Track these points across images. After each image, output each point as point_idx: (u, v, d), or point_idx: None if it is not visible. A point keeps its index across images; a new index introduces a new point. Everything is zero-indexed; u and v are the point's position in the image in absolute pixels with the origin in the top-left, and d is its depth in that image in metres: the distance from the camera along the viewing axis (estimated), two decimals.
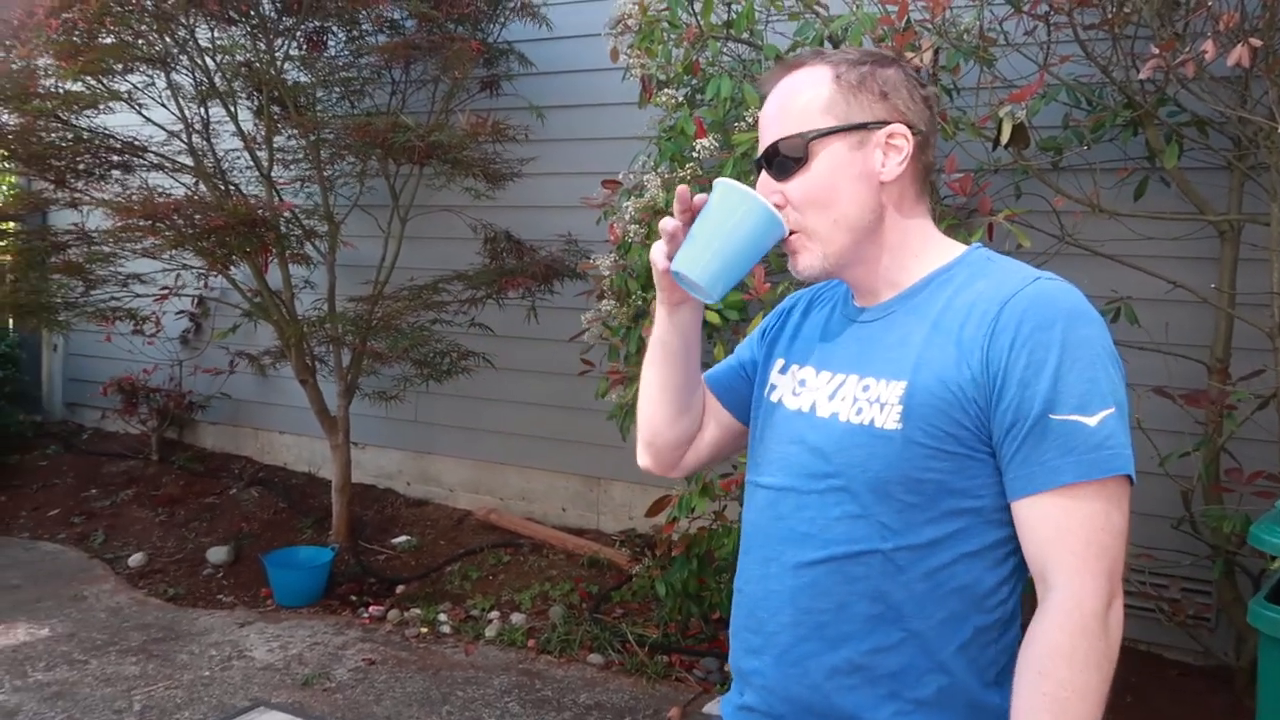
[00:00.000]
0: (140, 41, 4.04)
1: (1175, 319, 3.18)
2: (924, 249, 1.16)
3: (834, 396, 1.14)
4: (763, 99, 1.20)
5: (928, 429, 1.05)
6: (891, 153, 1.13)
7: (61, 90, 4.07)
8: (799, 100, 1.14)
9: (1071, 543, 1.00)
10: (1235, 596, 2.99)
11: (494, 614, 3.76)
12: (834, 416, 1.13)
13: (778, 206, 1.12)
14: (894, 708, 1.07)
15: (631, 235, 3.06)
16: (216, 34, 4.20)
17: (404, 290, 4.19)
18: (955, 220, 2.94)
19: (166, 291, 4.73)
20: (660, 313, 1.26)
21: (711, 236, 1.12)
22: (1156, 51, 2.60)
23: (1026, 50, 3.07)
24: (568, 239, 4.26)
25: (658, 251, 1.18)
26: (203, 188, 4.30)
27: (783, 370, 1.25)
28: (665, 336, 1.27)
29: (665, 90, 3.16)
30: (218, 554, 4.29)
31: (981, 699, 1.07)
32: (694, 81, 3.30)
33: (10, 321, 5.31)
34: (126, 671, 3.26)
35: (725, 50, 3.35)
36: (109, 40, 3.93)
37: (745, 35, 3.24)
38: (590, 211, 3.52)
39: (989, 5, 2.94)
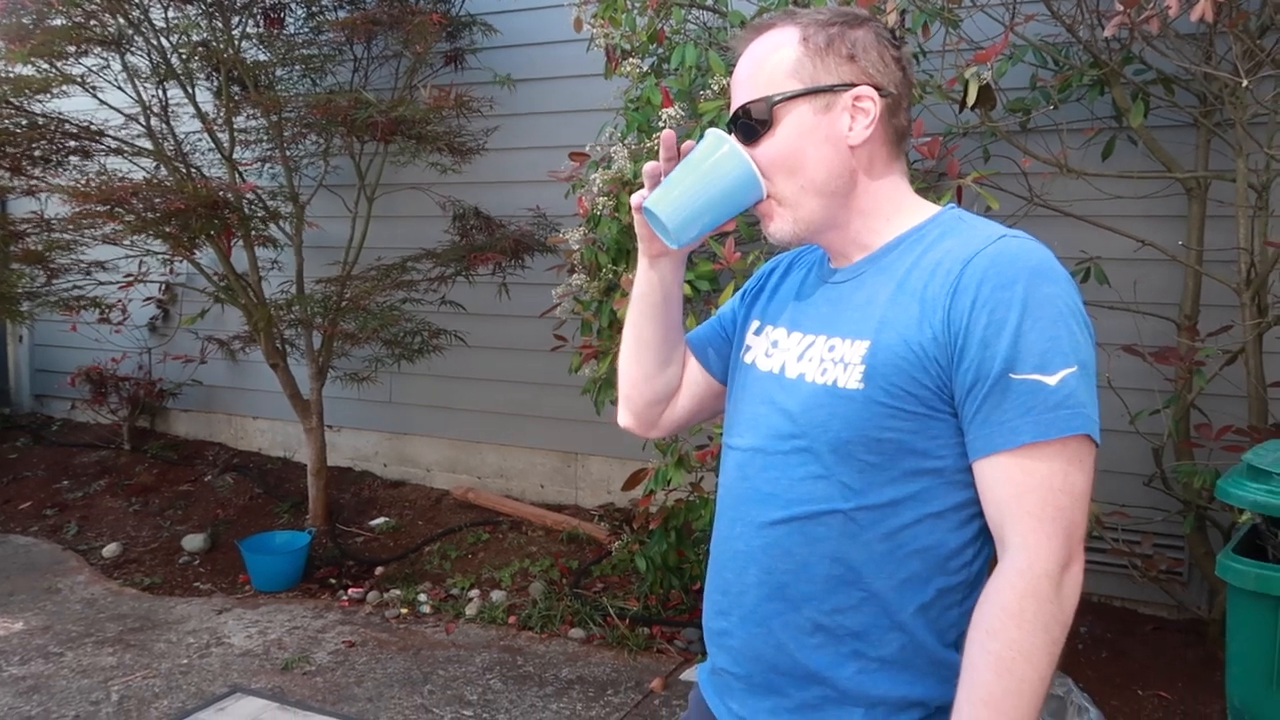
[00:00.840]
0: (93, 23, 3.95)
1: (1144, 277, 3.19)
2: (896, 211, 1.14)
3: (802, 357, 1.14)
4: (733, 64, 1.18)
5: (889, 388, 1.04)
6: (859, 115, 1.10)
7: (11, 74, 3.97)
8: (766, 64, 1.12)
9: (1029, 503, 0.99)
10: (1206, 550, 3.03)
11: (474, 592, 3.76)
12: (800, 377, 1.12)
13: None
14: (857, 666, 1.07)
15: (600, 208, 3.03)
16: (172, 13, 4.11)
17: (372, 270, 4.14)
18: (924, 184, 2.93)
19: (131, 279, 4.66)
20: (640, 265, 1.25)
21: (688, 182, 1.12)
22: (1121, 8, 2.59)
23: (992, 10, 3.05)
24: (537, 213, 4.22)
25: (638, 195, 1.17)
26: (163, 171, 4.22)
27: (757, 332, 1.24)
28: (644, 289, 1.26)
29: (630, 60, 3.12)
30: (193, 542, 4.25)
31: (943, 656, 1.07)
32: (659, 50, 3.26)
33: None
34: (103, 662, 3.23)
35: (690, 18, 3.31)
36: (59, 22, 3.83)
37: (710, 2, 3.20)
38: (559, 185, 3.49)
39: None
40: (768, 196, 1.12)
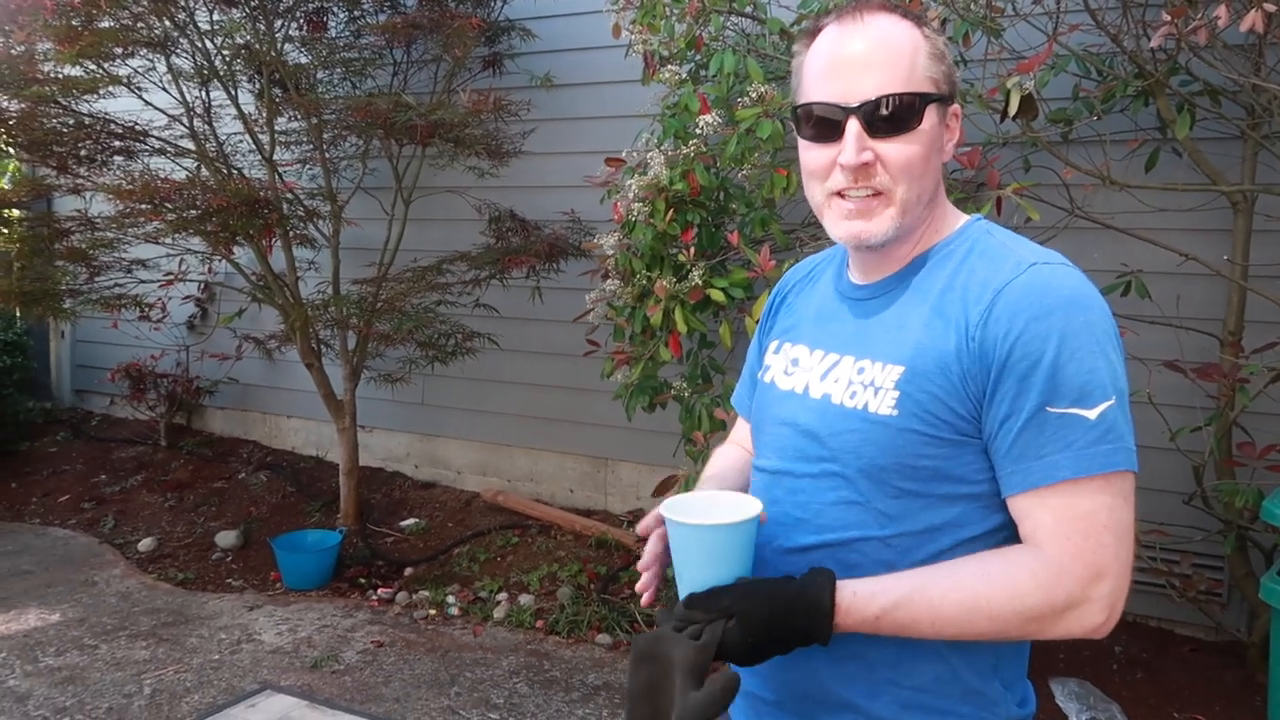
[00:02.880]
0: (139, 25, 4.01)
1: (1187, 292, 3.14)
2: (941, 221, 1.12)
3: (826, 377, 1.10)
4: (824, 38, 1.08)
5: (924, 415, 1.01)
6: (954, 129, 1.09)
7: (61, 75, 4.04)
8: (905, 55, 1.04)
9: (1061, 533, 0.96)
10: (1247, 571, 2.97)
11: (502, 595, 3.76)
12: (826, 398, 1.09)
13: (865, 164, 1.03)
14: (891, 695, 1.05)
15: (635, 214, 3.03)
16: (216, 16, 4.17)
17: (408, 271, 4.17)
18: (963, 194, 2.90)
19: (171, 277, 4.72)
20: None
21: (696, 572, 1.02)
22: (1168, 19, 2.55)
23: (1035, 20, 3.02)
24: (571, 217, 4.23)
25: (643, 587, 1.14)
26: (204, 171, 4.28)
27: (776, 350, 1.21)
28: None
29: (668, 66, 3.12)
30: (226, 538, 4.30)
31: (978, 686, 1.05)
32: (697, 57, 3.26)
33: (16, 310, 5.31)
34: (136, 656, 3.27)
35: (728, 25, 3.30)
36: (107, 24, 3.90)
37: (748, 9, 3.19)
38: (594, 190, 3.49)
39: None
40: (880, 192, 1.04)
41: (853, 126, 1.03)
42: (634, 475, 4.36)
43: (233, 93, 4.23)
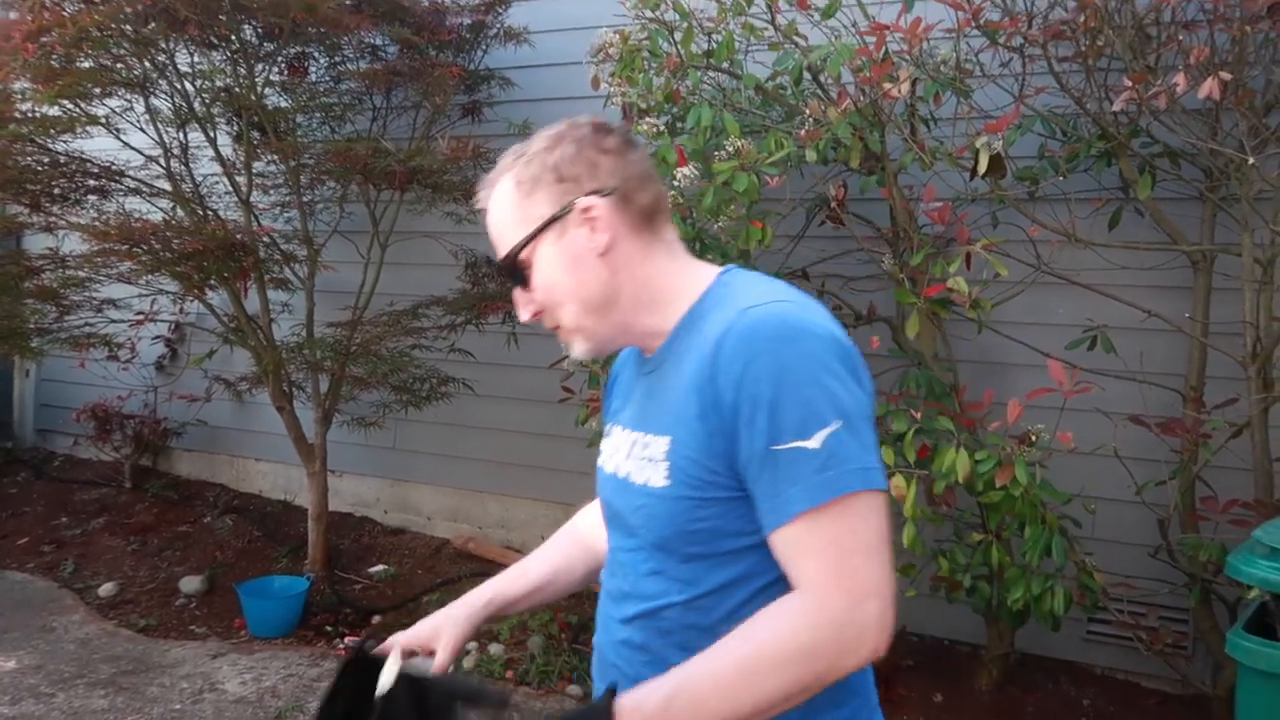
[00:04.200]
0: (119, 65, 4.02)
1: (1150, 348, 3.21)
2: (674, 291, 1.14)
3: (629, 456, 1.15)
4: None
5: (690, 480, 1.04)
6: (593, 226, 1.12)
7: (38, 114, 4.04)
8: (498, 218, 1.16)
9: (816, 565, 0.98)
10: (1212, 624, 3.00)
11: (471, 645, 3.71)
12: (626, 477, 1.14)
13: (535, 314, 1.15)
14: None
15: None
16: (197, 59, 4.19)
17: (383, 315, 4.17)
18: (933, 249, 2.97)
19: (142, 317, 4.68)
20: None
21: None
22: (1129, 84, 2.64)
23: (1002, 81, 3.11)
24: None
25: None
26: (180, 212, 4.27)
27: (607, 434, 1.26)
28: None
29: (646, 118, 3.18)
30: (191, 584, 4.22)
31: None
32: (674, 110, 3.32)
33: None
34: (95, 705, 3.19)
35: (706, 79, 3.37)
36: (87, 64, 3.90)
37: (725, 65, 3.26)
38: None
39: (965, 37, 2.99)
40: (559, 325, 1.15)
41: (516, 290, 1.16)
42: None
43: (211, 135, 4.24)
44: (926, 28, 2.84)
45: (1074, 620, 3.31)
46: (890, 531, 1.01)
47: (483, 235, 4.31)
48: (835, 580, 0.96)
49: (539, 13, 4.35)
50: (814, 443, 0.97)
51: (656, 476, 1.07)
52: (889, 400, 2.90)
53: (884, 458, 2.73)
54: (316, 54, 4.39)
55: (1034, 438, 2.67)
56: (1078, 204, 3.19)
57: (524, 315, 1.16)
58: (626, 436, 1.17)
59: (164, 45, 4.03)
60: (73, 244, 4.24)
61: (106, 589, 4.23)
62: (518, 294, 1.16)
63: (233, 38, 4.05)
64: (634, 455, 1.13)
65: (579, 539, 1.42)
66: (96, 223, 3.92)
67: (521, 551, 4.45)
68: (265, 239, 4.14)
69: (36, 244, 4.86)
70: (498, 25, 4.34)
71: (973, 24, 2.91)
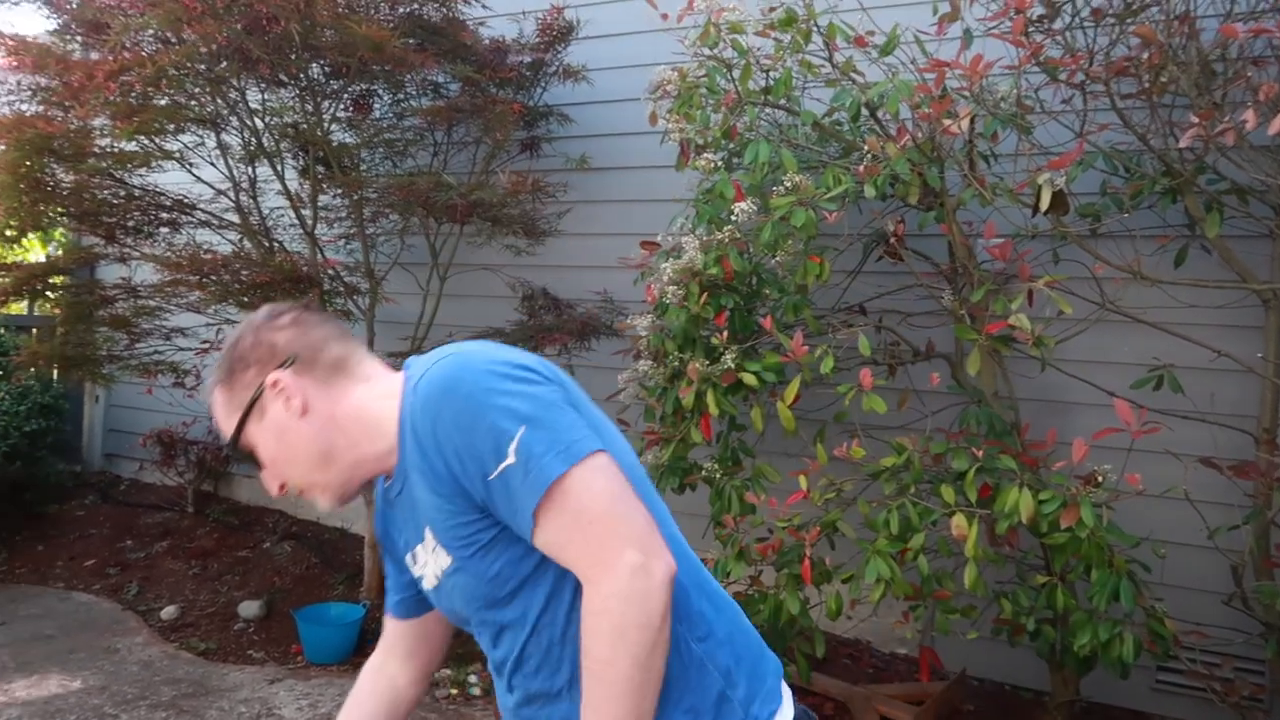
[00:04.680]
0: (193, 103, 4.17)
1: (1221, 388, 3.13)
2: (383, 412, 1.22)
3: (424, 565, 1.26)
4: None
5: (461, 543, 1.16)
6: (284, 396, 1.22)
7: (116, 149, 4.19)
8: (217, 415, 1.27)
9: (572, 550, 1.08)
10: None
11: None
12: (437, 580, 1.24)
13: (282, 484, 1.26)
14: None
15: (669, 296, 3.08)
16: (266, 96, 4.33)
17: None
18: (994, 286, 2.94)
19: (208, 345, 4.81)
20: None
21: None
22: (1195, 120, 2.60)
23: (1063, 118, 3.09)
24: (604, 297, 4.29)
25: None
26: (248, 244, 4.39)
27: (414, 561, 1.33)
28: None
29: (704, 154, 3.21)
30: (249, 608, 4.29)
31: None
32: (731, 145, 3.35)
33: (55, 373, 5.41)
34: None
35: (763, 115, 3.40)
36: (163, 102, 4.05)
37: (782, 101, 3.29)
38: (627, 272, 3.55)
39: (1025, 74, 2.97)
40: (301, 488, 1.25)
41: (261, 472, 1.27)
42: None
43: (279, 169, 4.37)
44: (986, 65, 2.84)
45: (1143, 668, 3.21)
46: (621, 477, 1.10)
47: (540, 268, 4.40)
48: (594, 558, 1.06)
49: (597, 50, 4.43)
50: (511, 458, 1.06)
51: (443, 561, 1.20)
52: (949, 438, 2.87)
53: (944, 495, 2.71)
54: (381, 91, 4.51)
55: (1100, 478, 2.61)
56: (1142, 241, 3.13)
57: (273, 489, 1.26)
58: (418, 553, 1.26)
59: (236, 83, 4.18)
60: (144, 274, 4.38)
61: (168, 612, 4.32)
62: (262, 474, 1.27)
63: (301, 76, 4.18)
64: (428, 561, 1.24)
65: (375, 695, 1.46)
66: (168, 254, 4.05)
67: None
68: (329, 271, 4.23)
69: (110, 274, 5.03)
70: (557, 63, 4.43)
71: (1033, 61, 2.90)
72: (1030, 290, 2.82)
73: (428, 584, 1.28)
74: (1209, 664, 2.97)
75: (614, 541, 1.06)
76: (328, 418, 1.22)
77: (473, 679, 3.70)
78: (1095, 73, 2.90)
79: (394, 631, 1.44)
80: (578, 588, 1.13)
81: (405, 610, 1.42)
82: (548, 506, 1.06)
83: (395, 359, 4.17)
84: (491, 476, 1.08)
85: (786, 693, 1.25)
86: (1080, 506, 2.52)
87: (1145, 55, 2.76)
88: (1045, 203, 2.75)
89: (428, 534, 1.21)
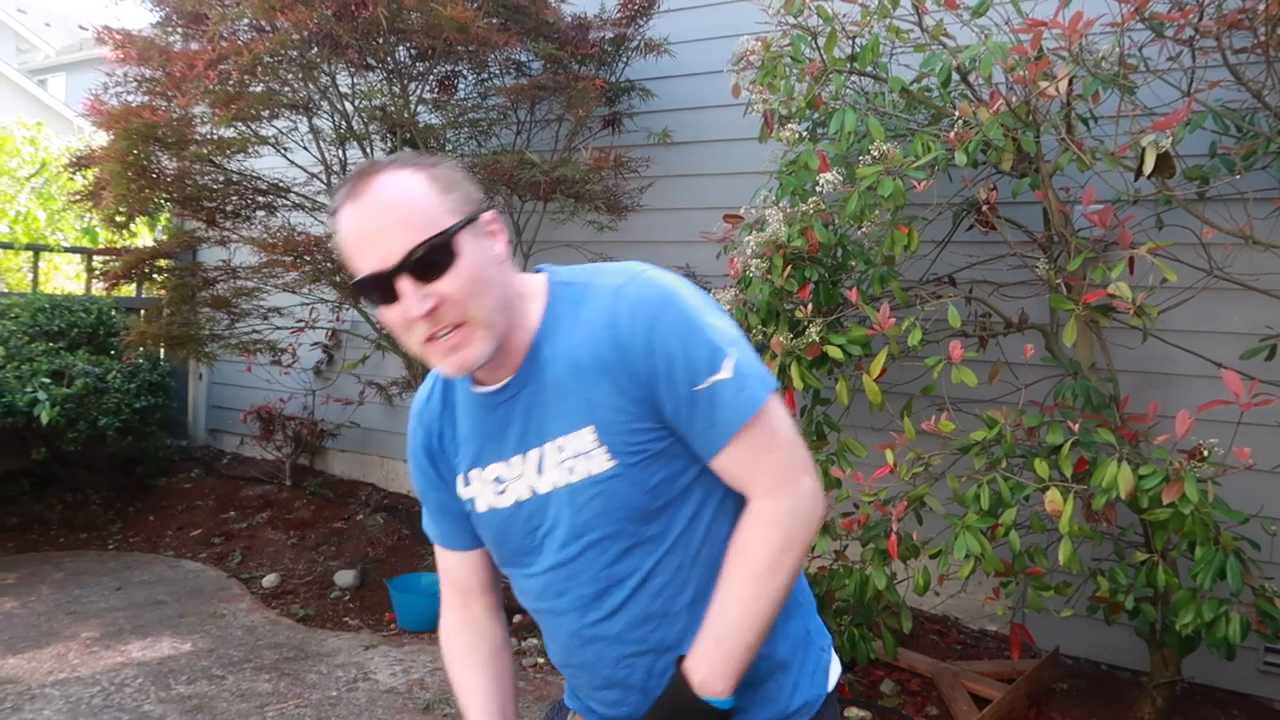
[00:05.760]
0: (286, 89, 4.29)
1: None
2: (525, 309, 1.21)
3: (542, 472, 1.21)
4: (342, 216, 1.14)
5: (630, 450, 1.16)
6: (497, 235, 1.20)
7: (215, 136, 4.35)
8: (415, 205, 1.12)
9: (760, 469, 1.17)
10: None
11: None
12: (553, 488, 1.20)
13: (431, 309, 1.12)
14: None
15: (752, 270, 3.06)
16: (355, 80, 4.43)
17: None
18: (1092, 254, 2.83)
19: (303, 324, 4.97)
20: None
21: None
22: None
23: (1170, 76, 2.94)
24: (686, 271, 4.28)
25: None
26: None
27: (468, 482, 1.29)
28: None
29: (788, 125, 3.16)
30: (345, 577, 4.44)
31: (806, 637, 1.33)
32: (816, 115, 3.29)
33: (162, 351, 5.67)
34: (260, 688, 3.39)
35: (849, 84, 3.33)
36: (259, 89, 4.18)
37: (869, 68, 3.21)
38: (710, 246, 3.53)
39: (1128, 31, 2.84)
40: (460, 323, 1.14)
41: (404, 284, 1.11)
42: None
43: (368, 151, 4.47)
44: (1087, 23, 2.72)
45: (1249, 649, 3.09)
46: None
47: (622, 244, 4.38)
48: (778, 478, 1.17)
49: (679, 23, 4.40)
50: (725, 372, 1.14)
51: (597, 463, 1.17)
52: (1044, 411, 2.78)
53: (1038, 470, 2.63)
54: (465, 72, 4.56)
55: (1206, 453, 2.50)
56: (1255, 204, 2.98)
57: (420, 307, 1.11)
58: (520, 461, 1.22)
59: (326, 68, 4.28)
60: (243, 256, 4.54)
61: (269, 580, 4.50)
62: (411, 287, 1.11)
63: (388, 59, 4.26)
64: (550, 465, 1.20)
65: (480, 647, 1.43)
66: (265, 236, 4.19)
67: None
68: None
69: (211, 256, 5.24)
70: (639, 37, 4.41)
71: (1137, 16, 2.76)
72: (1131, 257, 2.71)
73: (504, 500, 1.24)
74: None
75: (797, 464, 1.18)
76: (508, 279, 1.20)
77: None
78: (1206, 27, 2.75)
79: (463, 567, 1.39)
80: (716, 513, 1.21)
81: (472, 539, 1.35)
82: (750, 429, 1.15)
83: None
84: (700, 386, 1.14)
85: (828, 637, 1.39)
86: (1184, 481, 2.42)
87: (1262, 6, 2.60)
88: (1149, 166, 2.63)
89: (567, 438, 1.17)
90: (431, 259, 1.11)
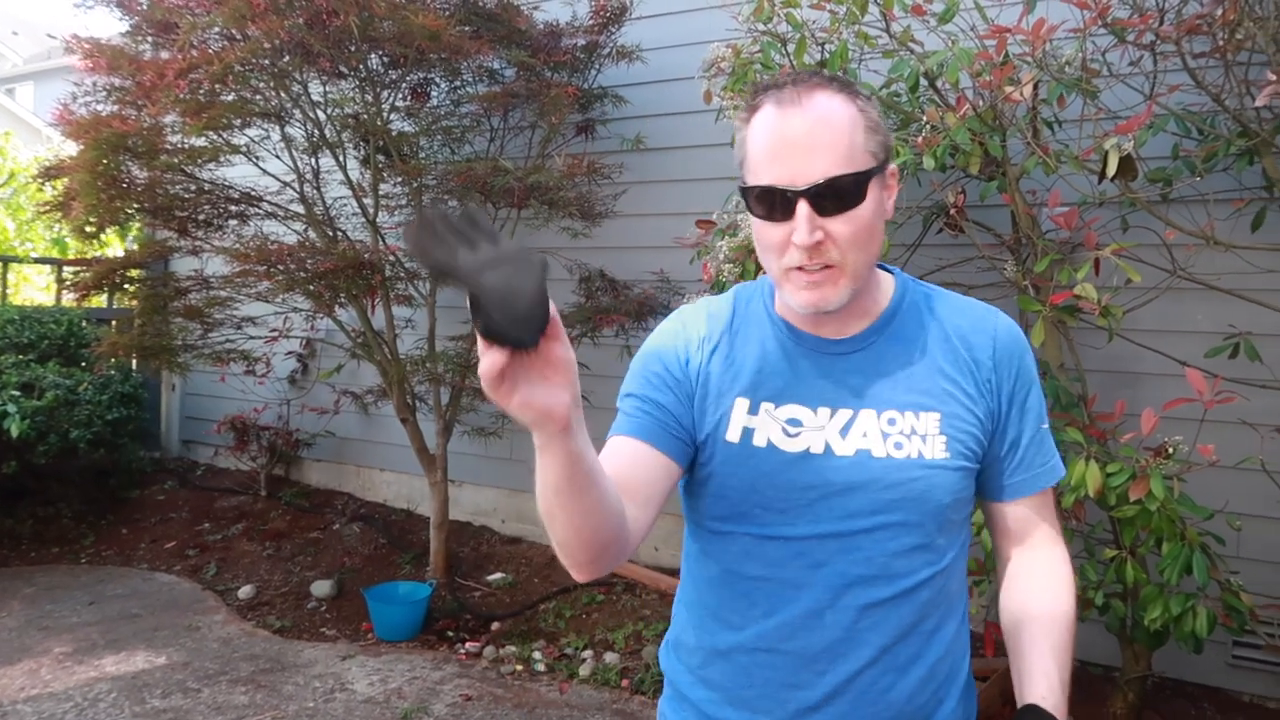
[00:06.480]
0: (258, 97, 4.28)
1: None
2: (876, 277, 1.21)
3: (849, 433, 1.12)
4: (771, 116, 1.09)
5: (965, 452, 1.15)
6: (891, 191, 1.15)
7: (186, 145, 4.32)
8: (846, 136, 1.07)
9: (1051, 520, 1.25)
10: None
11: (588, 653, 3.77)
12: (864, 453, 1.12)
13: (817, 243, 1.06)
14: (953, 703, 1.21)
15: (725, 274, 3.08)
16: (327, 88, 4.41)
17: None
18: (1058, 255, 2.87)
19: (276, 334, 4.94)
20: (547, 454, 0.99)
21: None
22: (1273, 78, 2.51)
23: (1131, 80, 3.00)
24: (660, 277, 4.30)
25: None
26: (312, 234, 4.49)
27: (752, 410, 1.15)
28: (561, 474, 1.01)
29: None
30: (321, 588, 4.42)
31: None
32: None
33: (134, 363, 5.62)
34: (236, 700, 3.37)
35: None
36: (230, 97, 4.17)
37: (839, 74, 3.24)
38: (683, 251, 3.55)
39: (1091, 37, 2.89)
40: (831, 265, 1.07)
41: (802, 209, 1.05)
42: None
43: (340, 159, 4.46)
44: (1050, 28, 2.76)
45: (1218, 643, 3.13)
46: None
47: (596, 250, 4.38)
48: (1058, 530, 1.26)
49: (651, 30, 4.42)
50: (1046, 424, 1.23)
51: (933, 450, 1.14)
52: None
53: None
54: (438, 79, 4.56)
55: (1171, 450, 2.55)
56: (1216, 205, 3.03)
57: (809, 237, 1.05)
58: (828, 415, 1.13)
59: (298, 77, 4.27)
60: (215, 266, 4.51)
61: (245, 591, 4.47)
62: (809, 215, 1.05)
63: (361, 67, 4.25)
64: (869, 431, 1.13)
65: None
66: (237, 245, 4.17)
67: (635, 561, 4.49)
68: (391, 258, 4.31)
69: (183, 266, 5.20)
70: (611, 44, 4.43)
71: (1099, 22, 2.82)
72: (1097, 259, 2.75)
73: (791, 444, 1.13)
74: None
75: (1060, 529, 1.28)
76: (882, 238, 1.15)
77: (537, 655, 3.76)
78: (1166, 32, 2.81)
79: (635, 462, 1.17)
80: (956, 562, 1.20)
81: (670, 443, 1.17)
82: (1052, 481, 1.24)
83: (457, 341, 4.24)
84: (1044, 426, 1.22)
85: None
86: (1150, 478, 2.46)
87: (1219, 12, 2.66)
88: (1112, 168, 2.68)
89: (913, 415, 1.14)
90: (842, 194, 1.06)
